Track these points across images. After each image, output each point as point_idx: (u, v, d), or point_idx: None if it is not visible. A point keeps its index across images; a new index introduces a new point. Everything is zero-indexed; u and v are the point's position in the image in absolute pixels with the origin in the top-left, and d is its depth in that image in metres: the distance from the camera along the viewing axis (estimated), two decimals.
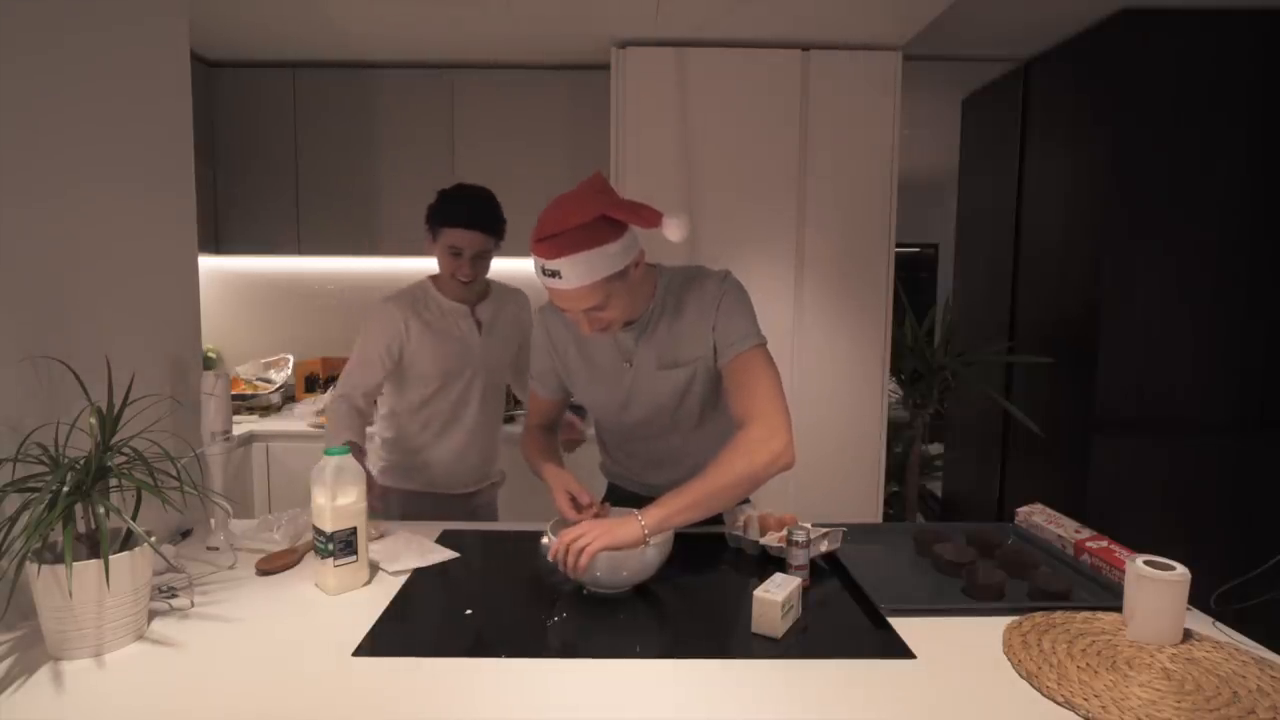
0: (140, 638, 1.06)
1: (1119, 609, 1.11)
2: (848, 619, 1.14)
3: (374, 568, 1.30)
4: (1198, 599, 1.12)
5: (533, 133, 2.87)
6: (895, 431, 2.92)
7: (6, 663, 0.99)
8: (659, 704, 0.90)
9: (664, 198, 2.50)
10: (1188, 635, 1.06)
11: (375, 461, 1.85)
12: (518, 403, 2.76)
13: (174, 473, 1.09)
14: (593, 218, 1.16)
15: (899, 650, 1.03)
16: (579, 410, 2.04)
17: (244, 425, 2.64)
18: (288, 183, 2.89)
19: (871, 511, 2.65)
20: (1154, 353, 2.40)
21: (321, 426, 2.32)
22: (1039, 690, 0.93)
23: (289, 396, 3.04)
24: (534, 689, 0.93)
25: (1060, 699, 0.90)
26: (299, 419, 2.77)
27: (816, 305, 2.59)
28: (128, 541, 1.05)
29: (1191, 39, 2.31)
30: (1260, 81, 2.32)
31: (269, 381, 2.92)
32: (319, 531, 1.20)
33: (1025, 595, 1.19)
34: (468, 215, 1.65)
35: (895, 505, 3.13)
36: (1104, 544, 1.28)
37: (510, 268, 2.18)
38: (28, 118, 1.17)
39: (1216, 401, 2.42)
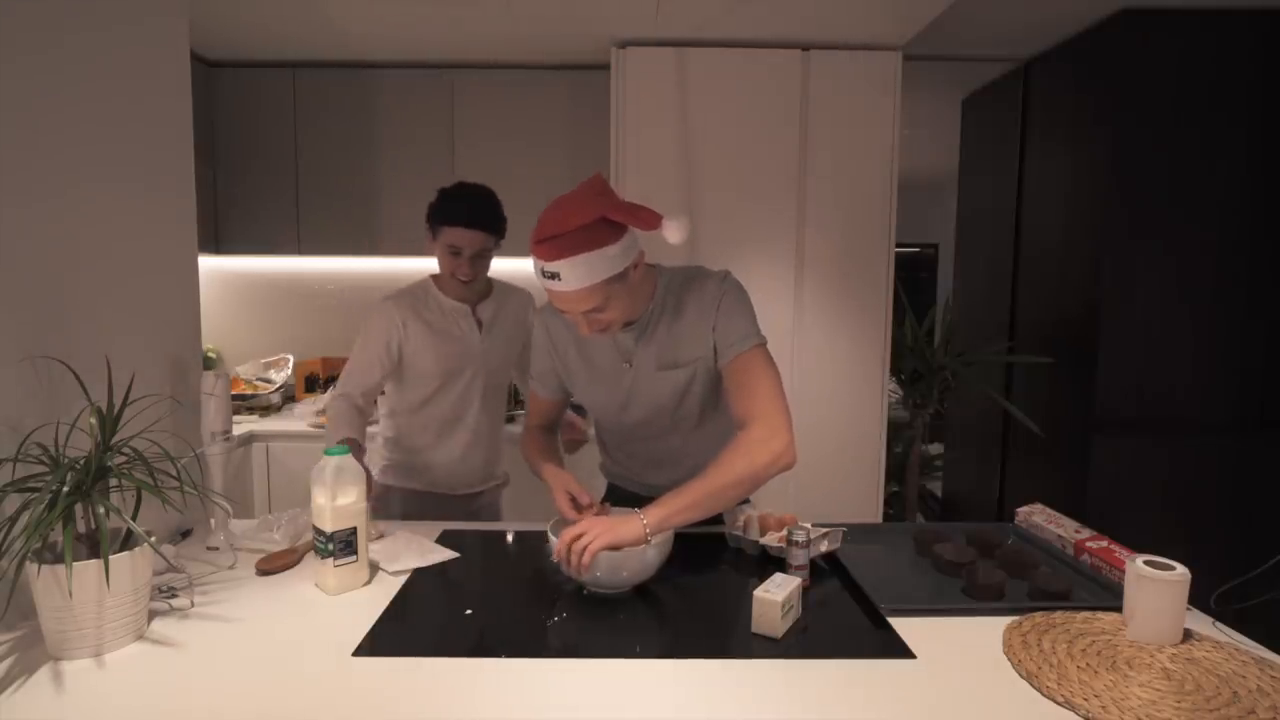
0: (140, 638, 1.06)
1: (1119, 609, 1.11)
2: (848, 619, 1.14)
3: (374, 568, 1.30)
4: (1198, 599, 1.11)
5: (533, 133, 2.87)
6: (895, 431, 2.92)
7: (6, 663, 0.99)
8: (659, 704, 0.90)
9: (664, 197, 2.51)
10: (1188, 635, 1.05)
11: (377, 460, 1.85)
12: (518, 403, 2.76)
13: (174, 473, 1.09)
14: (593, 220, 1.16)
15: (899, 650, 1.03)
16: (581, 410, 2.04)
17: (244, 425, 2.64)
18: (288, 183, 2.89)
19: (871, 511, 2.65)
20: (1154, 353, 2.40)
21: (322, 426, 2.32)
22: (1039, 690, 0.93)
23: (289, 396, 3.04)
24: (534, 689, 0.93)
25: (1060, 699, 0.90)
26: (299, 419, 2.77)
27: (816, 305, 2.59)
28: (128, 541, 1.05)
29: (1191, 39, 2.31)
30: (1260, 81, 2.32)
31: (269, 381, 2.92)
32: (319, 531, 1.20)
33: (1025, 595, 1.19)
34: (467, 214, 1.64)
35: (895, 505, 3.13)
36: (1104, 544, 1.28)
37: (510, 268, 2.18)
38: (28, 118, 1.17)
39: (1216, 401, 2.42)
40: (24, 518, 0.97)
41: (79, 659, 0.99)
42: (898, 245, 2.60)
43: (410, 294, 1.75)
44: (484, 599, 1.22)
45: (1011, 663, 0.99)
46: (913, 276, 5.81)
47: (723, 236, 2.55)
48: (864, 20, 2.32)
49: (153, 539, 1.05)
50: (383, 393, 1.82)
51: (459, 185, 1.70)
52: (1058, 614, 1.12)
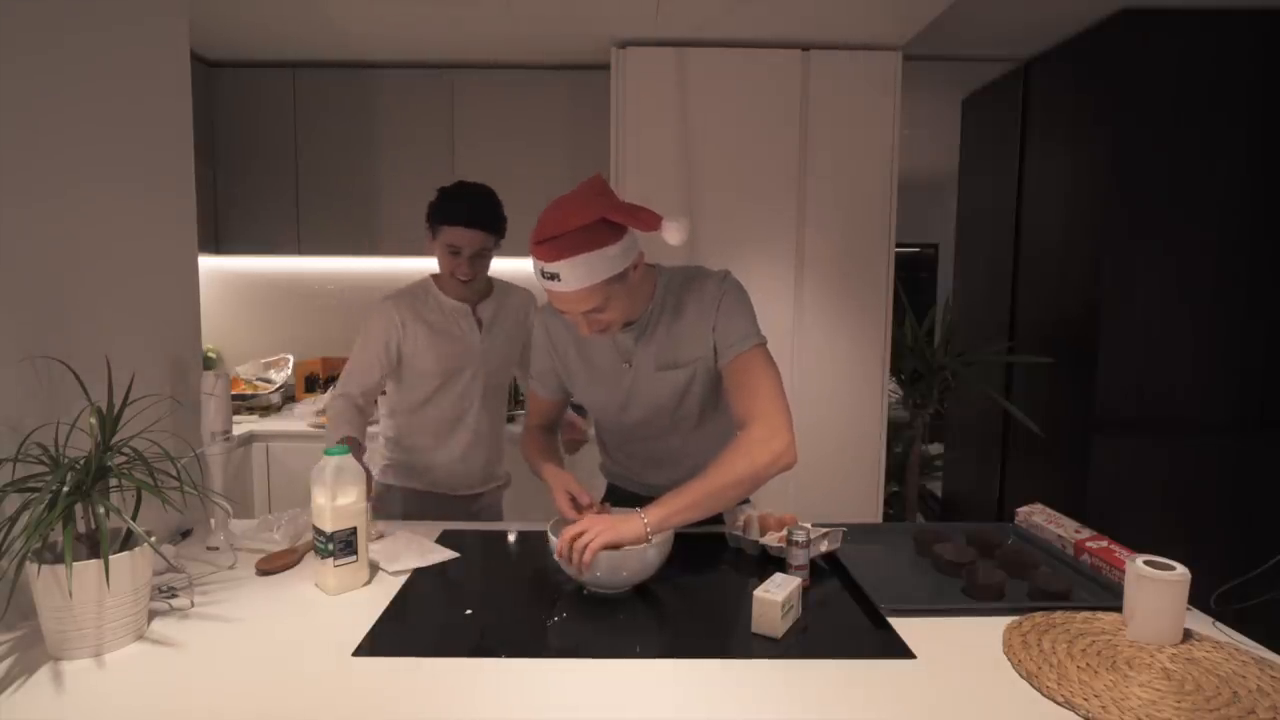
0: (140, 638, 1.06)
1: (1119, 609, 1.11)
2: (848, 619, 1.14)
3: (374, 568, 1.30)
4: (1198, 599, 1.12)
5: (533, 133, 2.87)
6: (895, 431, 2.92)
7: (6, 663, 0.99)
8: (659, 704, 0.90)
9: (664, 197, 2.51)
10: (1188, 635, 1.06)
11: (378, 460, 1.85)
12: (519, 403, 2.76)
13: (174, 473, 1.09)
14: (592, 220, 1.15)
15: (899, 650, 1.03)
16: (581, 410, 2.04)
17: (244, 425, 2.64)
18: (288, 183, 2.89)
19: (871, 511, 2.65)
20: (1154, 353, 2.40)
21: (322, 426, 2.32)
22: (1039, 690, 0.93)
23: (289, 396, 3.04)
24: (534, 689, 0.93)
25: (1060, 699, 0.90)
26: (299, 419, 2.77)
27: (816, 305, 2.59)
28: (128, 541, 1.05)
29: (1191, 39, 2.31)
30: (1260, 81, 2.32)
31: (269, 381, 2.92)
32: (319, 531, 1.20)
33: (1025, 595, 1.19)
34: (467, 213, 1.64)
35: (895, 505, 3.13)
36: (1104, 544, 1.28)
37: (510, 268, 2.18)
38: (28, 118, 1.17)
39: (1216, 401, 2.42)
40: (24, 518, 0.97)
41: (79, 659, 0.99)
42: (898, 245, 2.60)
43: (410, 294, 1.75)
44: (484, 599, 1.22)
45: (1011, 663, 0.99)
46: (913, 276, 5.81)
47: (723, 236, 2.55)
48: (864, 20, 2.32)
49: (153, 539, 1.05)
50: (383, 392, 1.82)
51: (459, 185, 1.70)
52: (1058, 614, 1.12)
